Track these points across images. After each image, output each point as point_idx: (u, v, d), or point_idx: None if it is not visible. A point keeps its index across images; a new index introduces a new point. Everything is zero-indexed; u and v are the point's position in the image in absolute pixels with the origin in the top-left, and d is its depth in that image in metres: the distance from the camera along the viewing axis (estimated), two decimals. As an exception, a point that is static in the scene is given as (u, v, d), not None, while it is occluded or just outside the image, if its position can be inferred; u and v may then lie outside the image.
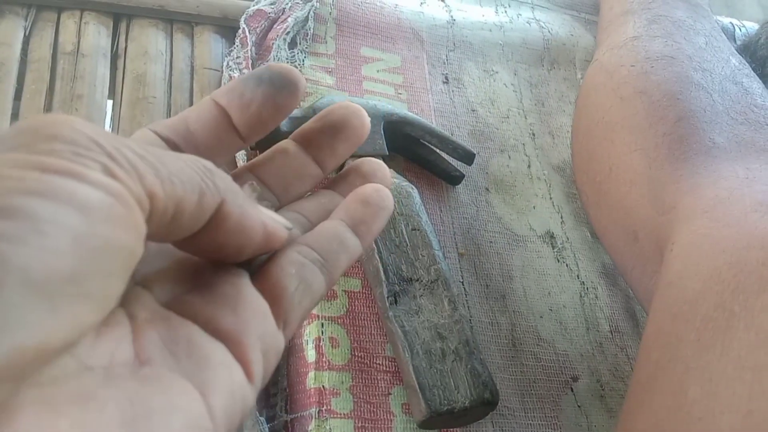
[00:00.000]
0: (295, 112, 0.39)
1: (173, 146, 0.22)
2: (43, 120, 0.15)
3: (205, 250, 0.19)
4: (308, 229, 0.23)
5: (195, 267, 0.20)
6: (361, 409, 0.34)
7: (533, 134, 0.52)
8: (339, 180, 0.26)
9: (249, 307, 0.19)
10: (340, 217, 0.23)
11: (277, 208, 0.24)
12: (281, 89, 0.22)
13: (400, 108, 0.44)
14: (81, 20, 0.45)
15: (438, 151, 0.45)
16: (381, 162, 0.26)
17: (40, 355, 0.13)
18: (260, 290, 0.20)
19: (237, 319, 0.18)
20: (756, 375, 0.22)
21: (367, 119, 0.25)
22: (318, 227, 0.23)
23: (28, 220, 0.13)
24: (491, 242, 0.44)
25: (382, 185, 0.24)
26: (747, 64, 0.42)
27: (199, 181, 0.17)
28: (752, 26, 0.65)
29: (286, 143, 0.25)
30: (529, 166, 0.50)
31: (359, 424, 0.33)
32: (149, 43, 0.46)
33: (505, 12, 0.59)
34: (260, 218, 0.20)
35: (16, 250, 0.12)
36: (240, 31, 0.46)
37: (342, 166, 0.25)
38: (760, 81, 0.40)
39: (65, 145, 0.14)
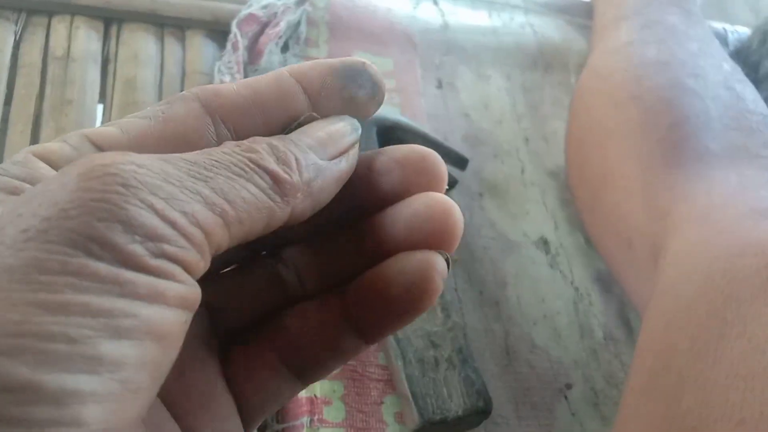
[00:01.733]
0: None
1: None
2: (104, 187, 0.12)
3: None
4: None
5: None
6: (354, 418, 0.34)
7: (527, 139, 0.52)
8: None
9: (220, 410, 0.18)
10: None
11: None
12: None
13: (392, 112, 0.44)
14: (71, 25, 0.45)
15: (431, 156, 0.45)
16: None
17: None
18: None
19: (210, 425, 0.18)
20: (748, 383, 0.22)
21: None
22: None
23: (114, 371, 0.12)
24: (485, 248, 0.44)
25: None
26: (739, 69, 0.42)
27: (268, 204, 0.15)
28: (744, 31, 0.65)
29: None
30: (522, 172, 0.49)
31: (351, 433, 0.33)
32: (140, 47, 0.45)
33: (499, 16, 0.59)
34: (342, 169, 0.17)
35: (98, 409, 0.11)
36: (231, 35, 0.46)
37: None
38: (753, 86, 0.40)
39: (142, 244, 0.12)
